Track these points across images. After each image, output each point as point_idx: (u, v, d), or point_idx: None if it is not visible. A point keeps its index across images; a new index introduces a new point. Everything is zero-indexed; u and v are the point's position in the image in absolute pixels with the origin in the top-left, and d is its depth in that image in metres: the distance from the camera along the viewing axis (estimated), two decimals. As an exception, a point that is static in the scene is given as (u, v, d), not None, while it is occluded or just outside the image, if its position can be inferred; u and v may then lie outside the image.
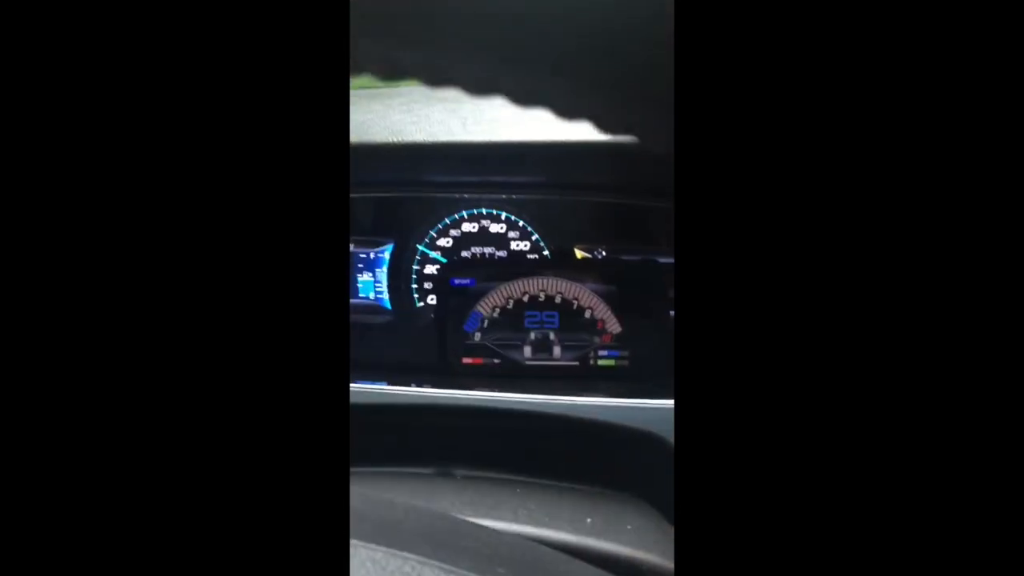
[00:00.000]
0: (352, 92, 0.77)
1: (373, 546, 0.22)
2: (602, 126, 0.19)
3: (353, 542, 0.22)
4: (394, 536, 0.23)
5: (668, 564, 0.43)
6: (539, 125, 0.59)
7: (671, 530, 0.49)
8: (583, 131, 0.19)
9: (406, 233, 0.72)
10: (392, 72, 0.17)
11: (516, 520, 0.46)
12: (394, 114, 0.61)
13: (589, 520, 0.46)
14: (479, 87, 0.18)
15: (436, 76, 0.18)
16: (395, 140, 0.58)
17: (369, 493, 0.27)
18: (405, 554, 0.22)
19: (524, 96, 0.18)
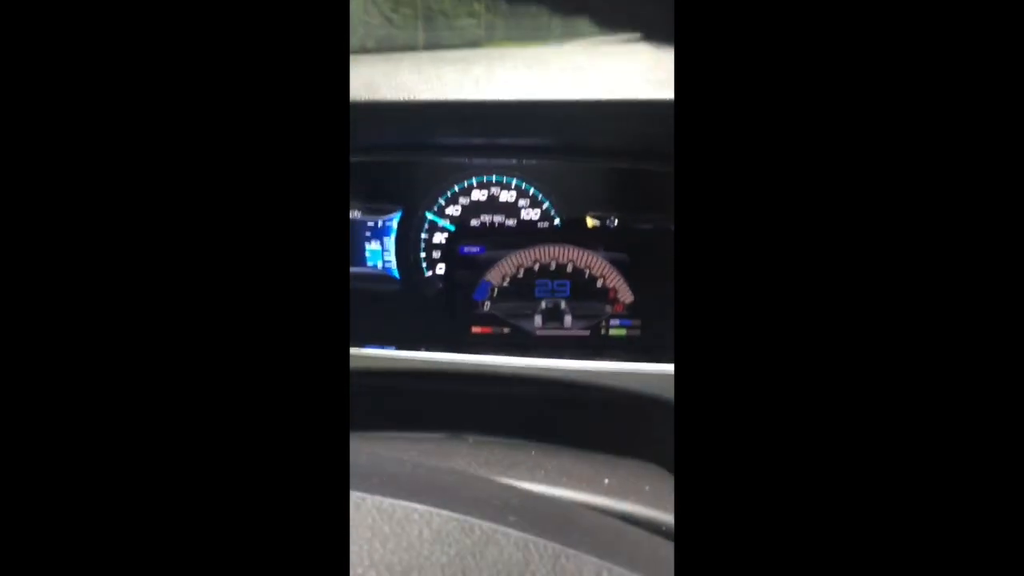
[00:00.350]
0: (360, 55, 0.75)
1: (380, 497, 0.21)
2: (604, 22, 0.18)
3: (360, 494, 0.21)
4: (403, 489, 0.22)
5: None
6: (552, 85, 0.58)
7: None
8: (596, 89, 0.18)
9: (414, 201, 0.71)
10: None
11: (533, 480, 0.45)
12: (403, 74, 0.60)
13: (607, 481, 0.45)
14: None
15: None
16: (404, 98, 0.57)
17: (379, 451, 0.26)
18: (414, 504, 0.21)
19: None
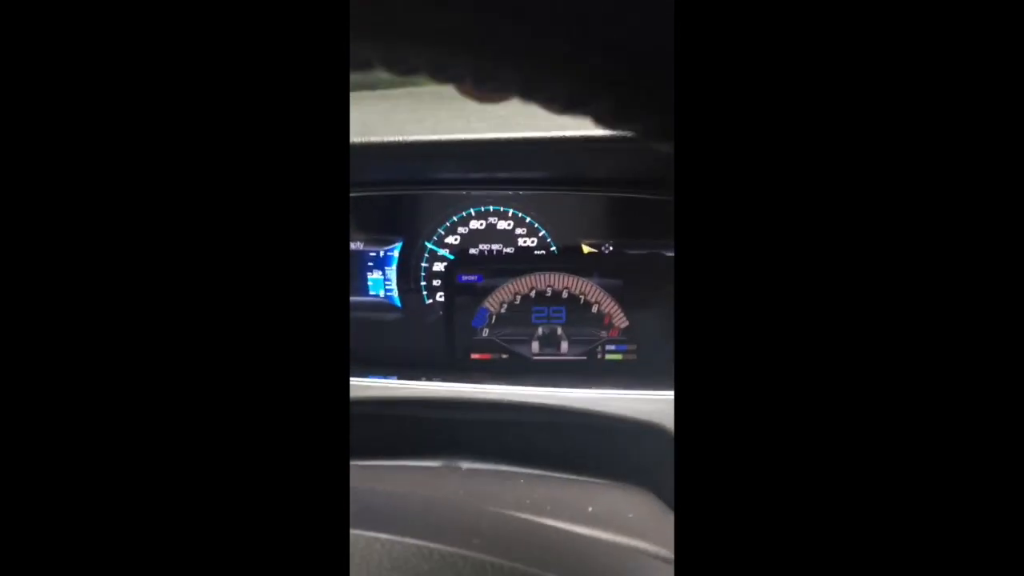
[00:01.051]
0: (358, 93, 0.78)
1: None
2: (602, 122, 0.19)
3: None
4: (368, 520, 0.23)
5: (669, 553, 0.43)
6: (544, 122, 0.60)
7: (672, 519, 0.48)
8: (587, 126, 0.19)
9: (415, 231, 0.73)
10: (397, 68, 0.17)
11: (519, 509, 0.46)
12: (399, 114, 0.62)
13: (590, 509, 0.47)
14: (481, 79, 0.17)
15: (438, 72, 0.17)
16: (401, 139, 0.59)
17: (369, 481, 0.27)
18: (375, 534, 0.22)
19: (528, 92, 0.18)
